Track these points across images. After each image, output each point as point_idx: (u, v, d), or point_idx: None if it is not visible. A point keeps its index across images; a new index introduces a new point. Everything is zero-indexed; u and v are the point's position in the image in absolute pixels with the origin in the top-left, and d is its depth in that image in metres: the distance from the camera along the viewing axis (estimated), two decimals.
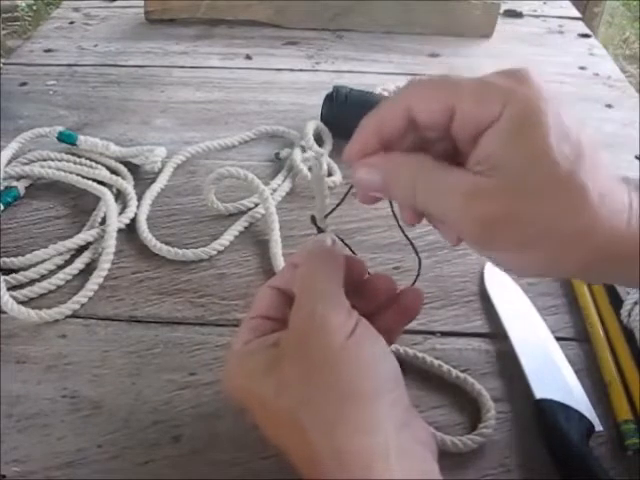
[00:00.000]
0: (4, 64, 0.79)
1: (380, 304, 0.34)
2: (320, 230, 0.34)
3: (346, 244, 0.35)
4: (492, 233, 0.27)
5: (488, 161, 0.27)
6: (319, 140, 0.61)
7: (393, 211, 0.33)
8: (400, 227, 0.34)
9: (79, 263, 0.48)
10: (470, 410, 0.39)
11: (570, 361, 0.41)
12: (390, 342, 0.33)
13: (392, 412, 0.28)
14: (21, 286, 0.47)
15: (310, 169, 0.32)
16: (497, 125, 0.27)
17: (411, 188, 0.29)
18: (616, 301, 0.44)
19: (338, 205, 0.34)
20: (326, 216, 0.34)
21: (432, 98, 0.28)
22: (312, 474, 0.27)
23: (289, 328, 0.30)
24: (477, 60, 0.79)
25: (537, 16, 0.92)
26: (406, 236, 0.35)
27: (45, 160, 0.58)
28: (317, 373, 0.28)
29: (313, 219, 0.34)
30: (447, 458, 0.35)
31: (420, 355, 0.41)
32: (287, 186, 0.56)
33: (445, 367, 0.40)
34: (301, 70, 0.76)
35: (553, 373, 0.40)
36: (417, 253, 0.35)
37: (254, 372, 0.30)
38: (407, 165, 0.29)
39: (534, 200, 0.26)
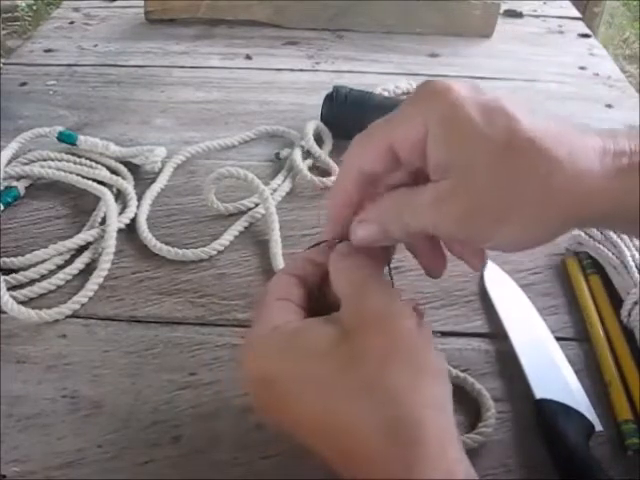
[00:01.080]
0: (4, 64, 0.79)
1: None
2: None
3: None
4: (469, 225, 0.29)
5: (439, 168, 0.29)
6: (319, 140, 0.61)
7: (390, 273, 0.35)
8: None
9: (79, 263, 0.48)
10: (470, 410, 0.39)
11: (570, 361, 0.41)
12: None
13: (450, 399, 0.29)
14: (21, 286, 0.47)
15: None
16: (429, 136, 0.29)
17: (403, 222, 0.30)
18: (616, 301, 0.44)
19: None
20: None
21: (374, 149, 0.31)
22: (371, 449, 0.27)
23: (353, 310, 0.30)
24: (477, 60, 0.79)
25: (537, 16, 0.92)
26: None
27: (45, 160, 0.58)
28: (395, 349, 0.29)
29: None
30: None
31: None
32: (287, 186, 0.56)
33: None
34: (301, 70, 0.76)
35: (553, 373, 0.40)
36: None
37: (309, 350, 0.29)
38: (391, 203, 0.31)
39: (487, 178, 0.28)
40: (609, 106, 0.70)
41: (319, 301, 0.34)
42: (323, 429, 0.29)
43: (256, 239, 0.52)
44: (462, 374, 0.40)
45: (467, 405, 0.39)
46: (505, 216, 0.28)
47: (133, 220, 0.52)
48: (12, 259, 0.48)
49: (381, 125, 0.31)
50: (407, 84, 0.71)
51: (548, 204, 0.28)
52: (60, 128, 0.60)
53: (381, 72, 0.75)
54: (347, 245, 0.33)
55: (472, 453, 0.37)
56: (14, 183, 0.55)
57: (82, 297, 0.46)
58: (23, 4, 2.43)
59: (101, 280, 0.47)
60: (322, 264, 0.33)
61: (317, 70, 0.76)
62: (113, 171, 0.57)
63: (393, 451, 0.26)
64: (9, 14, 2.38)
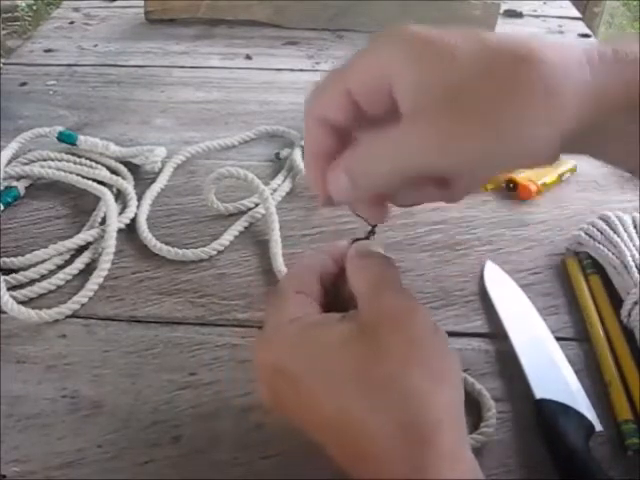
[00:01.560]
0: (4, 64, 0.79)
1: None
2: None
3: None
4: (460, 147, 0.25)
5: (412, 104, 0.26)
6: None
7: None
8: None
9: (79, 263, 0.48)
10: (470, 410, 0.39)
11: (570, 361, 0.41)
12: None
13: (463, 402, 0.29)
14: (21, 286, 0.47)
15: None
16: (399, 77, 0.26)
17: (371, 168, 0.27)
18: (616, 301, 0.44)
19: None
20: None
21: (329, 97, 0.28)
22: (393, 443, 0.27)
23: (371, 309, 0.30)
24: None
25: (537, 16, 0.92)
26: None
27: (45, 160, 0.58)
28: (414, 350, 0.28)
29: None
30: None
31: None
32: (287, 186, 0.56)
33: None
34: (301, 70, 0.76)
35: (553, 373, 0.40)
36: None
37: (326, 345, 0.29)
38: (359, 147, 0.28)
39: (471, 95, 0.25)
40: None
41: (333, 297, 0.33)
42: (334, 425, 0.28)
43: (256, 239, 0.52)
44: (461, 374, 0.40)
45: (467, 405, 0.39)
46: (497, 132, 0.25)
47: (133, 220, 0.52)
48: (12, 259, 0.48)
49: (337, 71, 0.28)
50: None
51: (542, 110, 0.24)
52: (60, 128, 0.60)
53: None
54: (366, 244, 0.33)
55: (473, 453, 0.37)
56: (14, 183, 0.55)
57: (82, 297, 0.46)
58: (23, 4, 2.44)
59: (101, 280, 0.47)
60: (340, 261, 0.33)
61: (317, 70, 0.76)
62: (113, 171, 0.57)
63: (406, 452, 0.26)
64: (9, 14, 2.38)
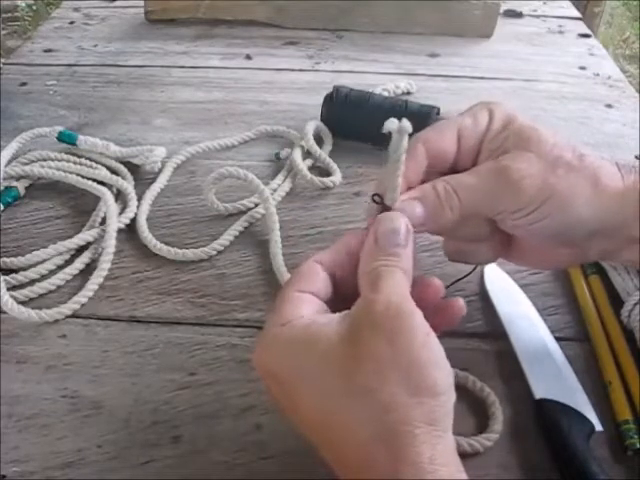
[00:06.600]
0: (4, 64, 0.79)
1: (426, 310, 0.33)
2: (385, 207, 0.33)
3: None
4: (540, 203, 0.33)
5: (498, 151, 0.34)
6: (319, 140, 0.61)
7: None
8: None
9: (79, 263, 0.48)
10: (476, 411, 0.39)
11: (570, 361, 0.41)
12: None
13: (451, 414, 0.28)
14: (21, 286, 0.47)
15: (390, 136, 0.31)
16: (494, 122, 0.35)
17: (455, 202, 0.33)
18: (616, 301, 0.44)
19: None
20: None
21: (445, 129, 0.36)
22: (369, 453, 0.27)
23: (367, 310, 0.29)
24: (477, 60, 0.79)
25: (537, 16, 0.92)
26: None
27: (45, 160, 0.58)
28: (396, 361, 0.28)
29: (377, 196, 0.33)
30: None
31: None
32: (287, 186, 0.56)
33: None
34: (301, 70, 0.76)
35: (553, 373, 0.40)
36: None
37: (313, 349, 0.29)
38: (443, 182, 0.34)
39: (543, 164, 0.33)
40: (609, 106, 0.70)
41: (349, 290, 0.33)
42: (321, 429, 0.29)
43: (256, 239, 0.52)
44: (462, 373, 0.40)
45: (472, 406, 0.39)
46: (571, 200, 0.33)
47: (133, 220, 0.52)
48: (12, 259, 0.48)
49: (453, 117, 0.36)
50: (407, 84, 0.71)
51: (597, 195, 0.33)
52: (60, 128, 0.60)
53: (381, 72, 0.75)
54: (390, 217, 0.32)
55: (472, 453, 0.37)
56: (14, 183, 0.55)
57: (82, 297, 0.46)
58: (23, 4, 2.43)
59: (101, 280, 0.47)
60: (356, 253, 0.32)
61: (317, 70, 0.76)
62: (113, 171, 0.57)
63: (381, 464, 0.27)
64: (9, 14, 2.38)
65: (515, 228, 0.35)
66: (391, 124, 0.30)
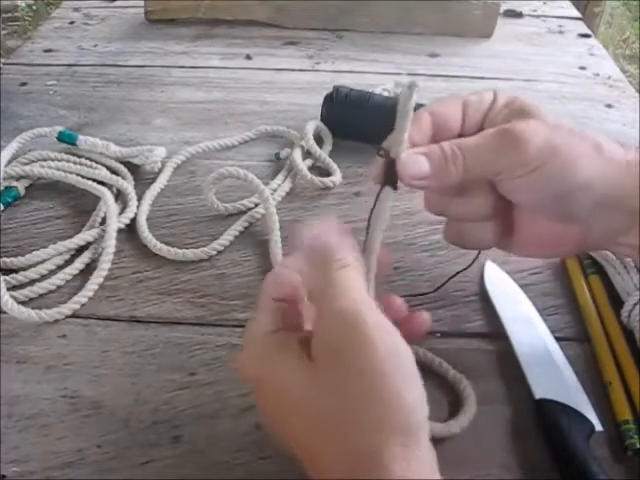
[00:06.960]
0: (4, 64, 0.79)
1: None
2: (390, 161, 0.33)
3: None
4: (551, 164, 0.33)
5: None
6: (319, 140, 0.61)
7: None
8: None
9: (79, 263, 0.48)
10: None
11: (570, 361, 0.41)
12: None
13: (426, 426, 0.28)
14: (21, 286, 0.47)
15: (399, 92, 0.32)
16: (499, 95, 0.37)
17: (462, 164, 0.34)
18: (616, 301, 0.44)
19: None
20: None
21: (450, 101, 0.37)
22: (334, 473, 0.27)
23: (326, 329, 0.29)
24: (477, 60, 0.79)
25: (537, 16, 0.92)
26: None
27: (45, 160, 0.58)
28: (357, 381, 0.27)
29: (383, 150, 0.33)
30: (446, 458, 0.35)
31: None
32: (287, 186, 0.56)
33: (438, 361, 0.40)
34: (301, 70, 0.76)
35: (553, 373, 0.40)
36: None
37: (286, 368, 0.29)
38: (452, 144, 0.34)
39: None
40: (609, 106, 0.70)
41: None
42: (298, 444, 0.29)
43: (256, 239, 0.52)
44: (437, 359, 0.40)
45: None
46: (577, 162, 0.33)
47: (133, 220, 0.52)
48: (12, 259, 0.48)
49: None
50: None
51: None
52: (60, 128, 0.60)
53: (381, 72, 0.75)
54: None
55: (472, 453, 0.37)
56: (14, 183, 0.55)
57: (82, 297, 0.46)
58: (23, 4, 2.43)
59: (101, 280, 0.47)
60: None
61: (317, 70, 0.76)
62: (113, 171, 0.57)
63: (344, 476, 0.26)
64: (9, 14, 2.38)
65: (517, 192, 0.35)
66: (403, 79, 0.31)
